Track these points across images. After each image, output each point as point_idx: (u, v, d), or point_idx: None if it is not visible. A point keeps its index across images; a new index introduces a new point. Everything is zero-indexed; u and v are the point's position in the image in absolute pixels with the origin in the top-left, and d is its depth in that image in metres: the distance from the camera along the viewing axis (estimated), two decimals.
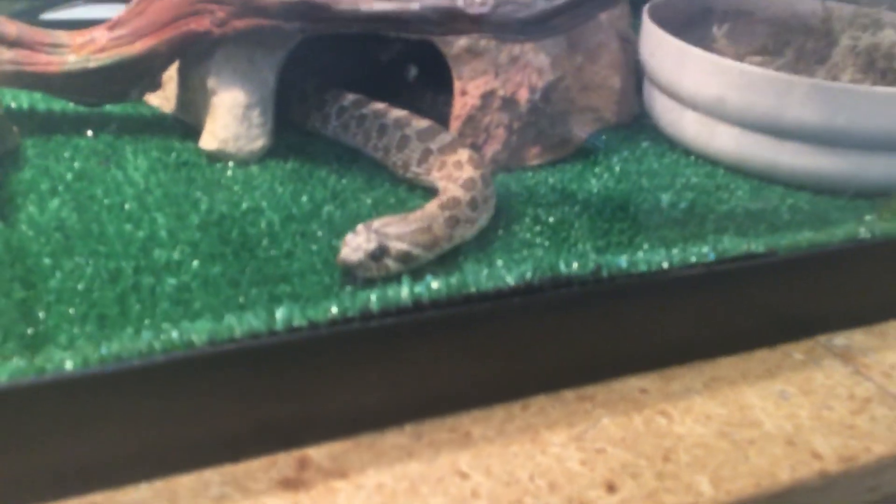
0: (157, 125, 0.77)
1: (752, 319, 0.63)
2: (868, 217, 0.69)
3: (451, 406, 0.53)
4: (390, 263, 0.55)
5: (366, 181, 0.70)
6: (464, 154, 0.66)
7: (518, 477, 0.49)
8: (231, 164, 0.71)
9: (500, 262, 0.60)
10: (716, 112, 0.78)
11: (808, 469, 0.52)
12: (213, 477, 0.47)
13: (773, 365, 0.61)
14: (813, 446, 0.53)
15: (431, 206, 0.60)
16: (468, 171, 0.64)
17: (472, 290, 0.52)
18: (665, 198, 0.72)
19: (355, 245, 0.55)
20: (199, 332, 0.45)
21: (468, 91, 0.74)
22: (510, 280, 0.53)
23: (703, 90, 0.77)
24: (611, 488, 0.49)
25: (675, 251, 0.59)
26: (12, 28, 0.69)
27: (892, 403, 0.58)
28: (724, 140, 0.78)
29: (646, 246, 0.64)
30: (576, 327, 0.56)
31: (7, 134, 0.68)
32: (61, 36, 0.70)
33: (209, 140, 0.71)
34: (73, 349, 0.43)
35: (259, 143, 0.72)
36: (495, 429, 0.52)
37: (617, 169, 0.77)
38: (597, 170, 0.77)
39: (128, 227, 0.59)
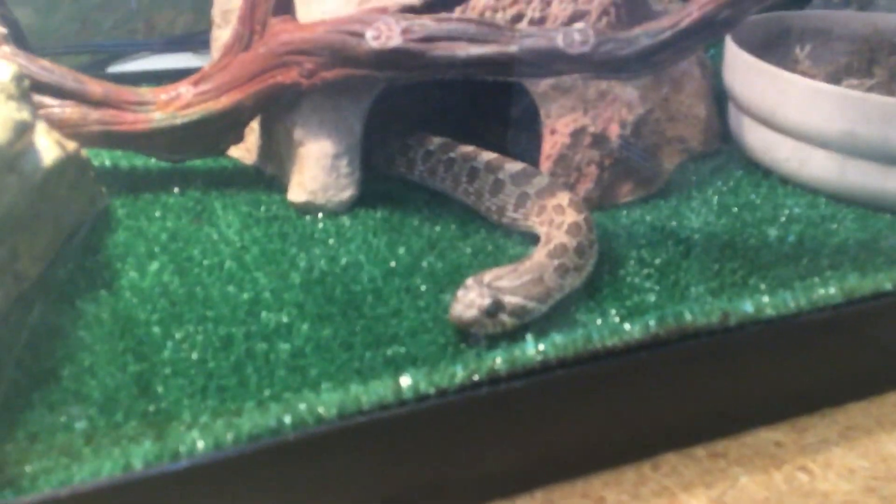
0: (240, 178, 0.76)
1: (880, 360, 0.60)
2: None
3: (579, 469, 0.51)
4: (506, 319, 0.53)
5: (460, 228, 0.68)
6: (564, 198, 0.64)
7: None
8: (321, 215, 0.69)
9: (612, 311, 0.58)
10: (819, 140, 0.74)
11: None
12: None
13: None
14: None
15: (539, 255, 0.58)
16: (571, 216, 0.62)
17: (598, 345, 0.49)
18: (772, 232, 0.69)
19: (468, 301, 0.53)
20: (326, 405, 0.43)
21: (558, 129, 0.72)
22: (636, 333, 0.50)
23: (807, 118, 0.74)
24: None
25: (799, 292, 0.56)
26: (97, 88, 0.68)
27: None
28: (827, 168, 0.74)
29: (763, 286, 0.61)
30: (703, 379, 0.54)
31: (97, 195, 0.67)
32: (146, 93, 0.70)
33: (298, 192, 0.70)
34: (200, 427, 0.41)
35: (348, 193, 0.70)
36: (629, 493, 0.50)
37: (714, 202, 0.75)
38: (693, 204, 0.74)
39: (231, 288, 0.58)
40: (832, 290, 0.57)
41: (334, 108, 0.69)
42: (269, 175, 0.76)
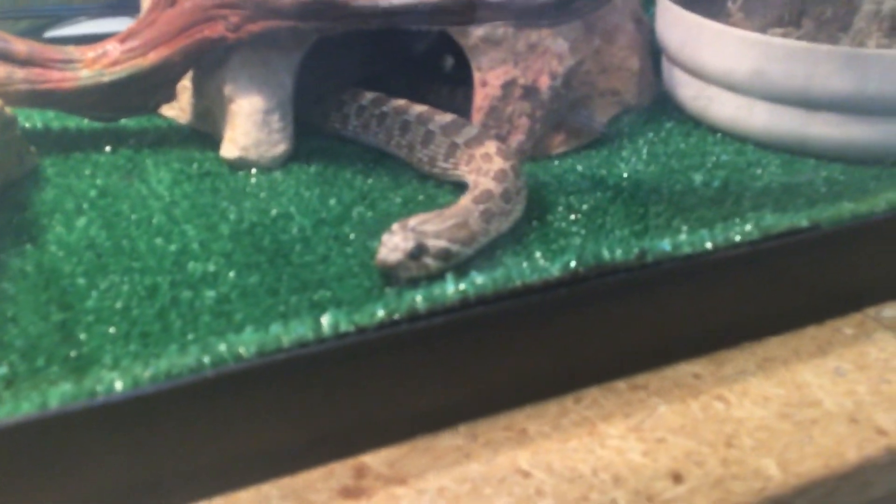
0: (174, 137, 0.75)
1: (799, 296, 0.62)
2: None
3: (503, 404, 0.52)
4: (430, 262, 0.54)
5: (392, 180, 0.69)
6: (491, 146, 0.65)
7: (581, 472, 0.47)
8: (254, 171, 0.69)
9: (538, 254, 0.59)
10: (744, 88, 0.76)
11: (875, 446, 0.50)
12: (271, 491, 0.45)
13: (823, 342, 0.60)
14: (876, 422, 0.52)
15: (465, 201, 0.59)
16: (498, 163, 0.63)
17: (518, 283, 0.50)
18: (697, 177, 0.71)
19: (393, 245, 0.54)
20: (246, 344, 0.44)
21: (489, 81, 0.73)
22: (555, 271, 0.51)
23: (732, 67, 0.76)
24: (676, 478, 0.47)
25: (717, 231, 0.57)
26: (22, 46, 0.68)
27: None
28: (754, 115, 0.76)
29: (685, 228, 0.62)
30: (623, 315, 0.55)
31: (25, 154, 0.67)
32: (72, 51, 0.69)
33: (230, 148, 0.70)
34: (121, 369, 0.42)
35: (281, 149, 0.70)
36: (550, 424, 0.51)
37: (644, 152, 0.76)
38: (624, 154, 0.76)
39: (158, 241, 0.58)
40: (748, 228, 0.58)
41: (263, 63, 0.69)
42: (204, 133, 0.76)
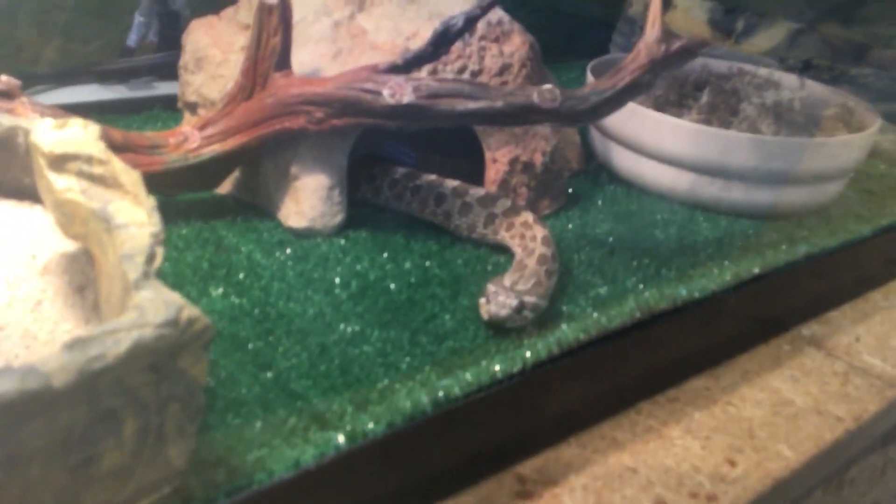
0: (225, 208, 0.85)
1: (751, 323, 0.84)
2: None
3: (593, 419, 0.69)
4: (527, 314, 0.70)
5: (436, 242, 0.84)
6: (528, 216, 0.82)
7: (669, 465, 0.66)
8: (319, 238, 0.81)
9: (582, 302, 0.76)
10: (673, 161, 0.98)
11: (839, 429, 0.73)
12: (467, 499, 0.60)
13: (774, 356, 0.82)
14: (833, 412, 0.75)
15: (531, 263, 0.75)
16: (540, 231, 0.80)
17: (608, 326, 0.68)
18: (658, 234, 0.92)
19: (500, 303, 0.69)
20: (460, 384, 0.58)
21: (498, 159, 0.90)
22: (626, 318, 0.69)
23: (665, 145, 0.98)
24: (732, 463, 0.67)
25: (712, 278, 0.78)
26: (118, 134, 0.75)
27: (863, 374, 0.81)
28: (679, 182, 0.99)
29: (671, 276, 0.83)
30: (656, 345, 0.74)
31: None
32: (155, 138, 0.78)
33: (297, 219, 0.81)
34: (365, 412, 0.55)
35: (339, 218, 0.83)
36: (629, 432, 0.69)
37: (607, 212, 0.96)
38: (593, 213, 0.95)
39: (293, 306, 0.69)
40: (727, 277, 0.80)
41: (328, 147, 0.82)
42: (246, 203, 0.87)
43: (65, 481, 0.43)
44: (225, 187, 0.88)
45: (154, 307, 0.46)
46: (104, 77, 1.11)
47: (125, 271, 0.48)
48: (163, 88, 1.10)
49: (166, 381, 0.47)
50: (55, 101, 1.03)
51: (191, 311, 0.47)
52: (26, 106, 0.73)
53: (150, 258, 0.50)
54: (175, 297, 0.47)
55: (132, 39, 1.16)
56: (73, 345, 0.43)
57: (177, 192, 0.80)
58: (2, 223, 0.64)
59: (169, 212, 0.81)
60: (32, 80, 1.08)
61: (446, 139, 0.94)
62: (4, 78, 0.73)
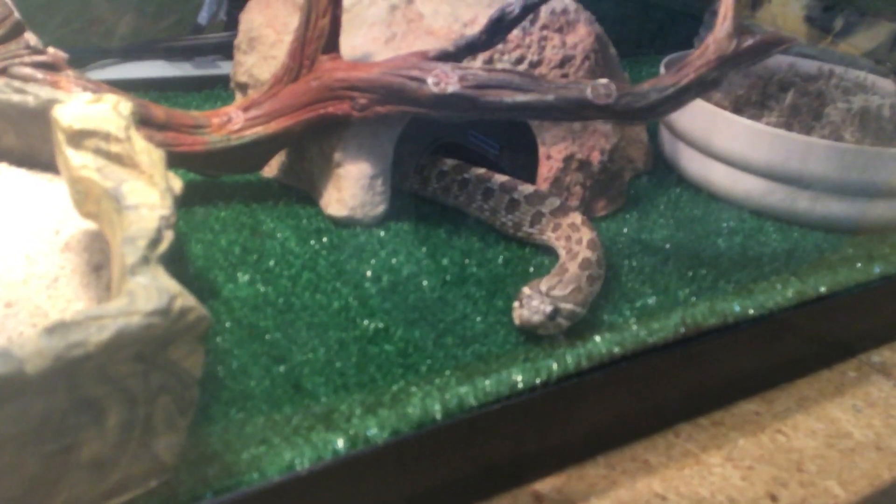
0: (270, 192, 0.84)
1: (813, 346, 0.78)
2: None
3: (625, 438, 0.65)
4: (562, 321, 0.66)
5: (480, 239, 0.80)
6: (577, 217, 0.78)
7: (702, 496, 0.61)
8: (358, 228, 0.79)
9: (626, 312, 0.72)
10: (742, 165, 0.92)
11: None
12: None
13: (837, 383, 0.76)
14: (895, 448, 0.68)
15: (572, 267, 0.71)
16: (587, 233, 0.76)
17: (647, 341, 0.63)
18: (721, 243, 0.86)
19: (534, 308, 0.65)
20: (476, 393, 0.54)
21: (552, 155, 0.85)
22: (670, 332, 0.65)
23: (733, 147, 0.92)
24: (773, 498, 0.62)
25: (766, 296, 0.72)
26: (160, 112, 0.75)
27: None
28: (751, 188, 0.92)
29: (728, 289, 0.77)
30: (703, 363, 0.69)
31: None
32: (199, 117, 0.77)
33: (338, 208, 0.79)
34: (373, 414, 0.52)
35: (381, 209, 0.80)
36: (664, 455, 0.64)
37: (668, 216, 0.91)
38: (652, 218, 0.90)
39: (319, 297, 0.67)
40: (789, 293, 0.74)
41: (373, 135, 0.79)
42: (291, 187, 0.85)
43: (38, 469, 0.42)
44: (271, 170, 0.87)
45: (146, 294, 0.44)
46: (171, 54, 1.12)
47: (123, 254, 0.47)
48: (226, 68, 1.09)
49: (156, 372, 0.45)
50: (121, 77, 1.05)
51: (185, 300, 0.45)
52: (70, 79, 0.73)
53: (155, 242, 0.49)
54: (171, 285, 0.45)
55: (203, 17, 1.16)
56: (54, 329, 0.41)
57: (218, 173, 0.79)
58: (31, 196, 0.63)
59: (211, 193, 0.81)
60: (101, 54, 1.09)
61: (503, 132, 0.91)
62: (52, 50, 0.73)
